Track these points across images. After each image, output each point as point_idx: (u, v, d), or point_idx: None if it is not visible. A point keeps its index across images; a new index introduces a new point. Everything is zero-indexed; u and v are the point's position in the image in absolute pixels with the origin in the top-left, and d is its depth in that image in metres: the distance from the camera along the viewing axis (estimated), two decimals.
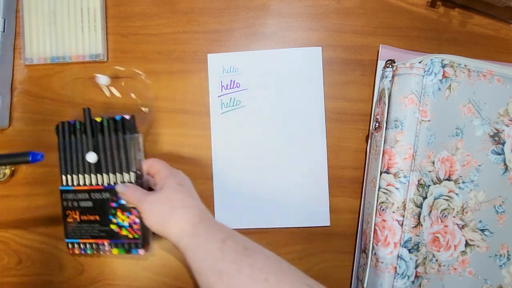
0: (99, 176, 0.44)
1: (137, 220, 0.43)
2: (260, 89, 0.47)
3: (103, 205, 0.44)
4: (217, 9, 0.49)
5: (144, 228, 0.43)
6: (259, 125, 0.47)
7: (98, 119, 0.44)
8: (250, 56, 0.48)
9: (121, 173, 0.43)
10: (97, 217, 0.44)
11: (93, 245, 0.45)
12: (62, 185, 0.45)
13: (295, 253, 0.46)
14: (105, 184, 0.44)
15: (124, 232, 0.43)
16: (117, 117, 0.44)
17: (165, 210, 0.38)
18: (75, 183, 0.45)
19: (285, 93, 0.47)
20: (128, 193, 0.41)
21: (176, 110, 0.48)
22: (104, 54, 0.48)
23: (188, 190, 0.40)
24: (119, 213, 0.43)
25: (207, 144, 0.47)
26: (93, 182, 0.44)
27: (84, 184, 0.44)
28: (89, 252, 0.45)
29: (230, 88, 0.48)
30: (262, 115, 0.47)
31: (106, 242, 0.44)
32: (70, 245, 0.45)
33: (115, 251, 0.44)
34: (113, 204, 0.44)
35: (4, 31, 0.47)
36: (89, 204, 0.44)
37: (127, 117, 0.44)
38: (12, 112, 0.49)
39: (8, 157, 0.37)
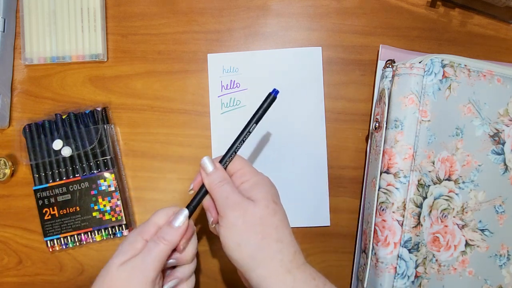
0: (75, 168, 0.46)
1: (119, 203, 0.45)
2: (260, 89, 0.47)
3: (83, 195, 0.45)
4: (217, 9, 0.49)
5: (126, 209, 0.45)
6: (259, 125, 0.47)
7: (64, 116, 0.47)
8: (250, 56, 0.48)
9: (96, 161, 0.46)
10: (77, 208, 0.45)
11: (75, 237, 0.45)
12: (36, 185, 0.46)
13: None
14: (83, 174, 0.45)
15: (107, 217, 0.45)
16: (87, 111, 0.47)
17: (255, 237, 0.28)
18: (50, 180, 0.46)
19: (285, 93, 0.47)
20: (216, 184, 0.30)
21: (176, 110, 0.48)
22: (104, 54, 0.48)
23: (283, 214, 0.31)
24: (100, 200, 0.45)
25: (207, 144, 0.47)
26: (70, 175, 0.46)
27: (61, 179, 0.45)
28: (71, 245, 0.46)
29: (230, 88, 0.48)
30: None
31: (89, 231, 0.45)
32: (49, 243, 0.46)
33: (98, 237, 0.45)
34: (93, 192, 0.45)
35: (4, 31, 0.47)
36: (67, 197, 0.45)
37: (98, 109, 0.46)
38: (12, 112, 0.49)
39: (260, 109, 0.37)
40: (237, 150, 0.36)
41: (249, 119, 0.37)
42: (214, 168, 0.32)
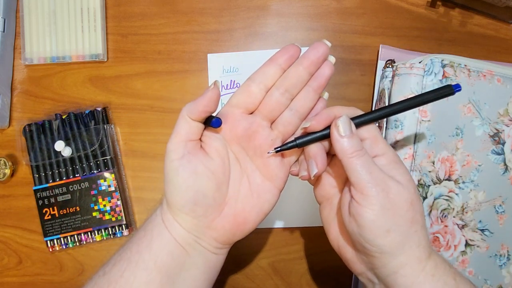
0: (75, 168, 0.46)
1: (119, 203, 0.45)
2: None
3: (83, 195, 0.45)
4: (217, 9, 0.49)
5: (126, 209, 0.46)
6: None
7: (64, 116, 0.47)
8: (250, 56, 0.48)
9: (96, 161, 0.46)
10: (77, 208, 0.45)
11: (75, 237, 0.46)
12: (36, 185, 0.46)
13: (295, 253, 0.46)
14: (83, 174, 0.46)
15: (107, 217, 0.45)
16: (87, 111, 0.47)
17: (405, 223, 0.25)
18: (50, 180, 0.46)
19: None
20: (355, 151, 0.26)
21: (176, 110, 0.48)
22: (104, 54, 0.48)
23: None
24: (100, 200, 0.45)
25: None
26: (70, 175, 0.46)
27: (61, 179, 0.46)
28: (71, 245, 0.46)
29: (230, 88, 0.48)
30: None
31: (89, 231, 0.45)
32: (49, 243, 0.46)
33: (98, 237, 0.45)
34: (93, 192, 0.45)
35: (4, 31, 0.47)
36: (67, 197, 0.45)
37: (98, 109, 0.47)
38: (12, 112, 0.49)
39: (432, 92, 0.28)
40: (377, 120, 0.28)
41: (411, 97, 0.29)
42: (351, 133, 0.26)
